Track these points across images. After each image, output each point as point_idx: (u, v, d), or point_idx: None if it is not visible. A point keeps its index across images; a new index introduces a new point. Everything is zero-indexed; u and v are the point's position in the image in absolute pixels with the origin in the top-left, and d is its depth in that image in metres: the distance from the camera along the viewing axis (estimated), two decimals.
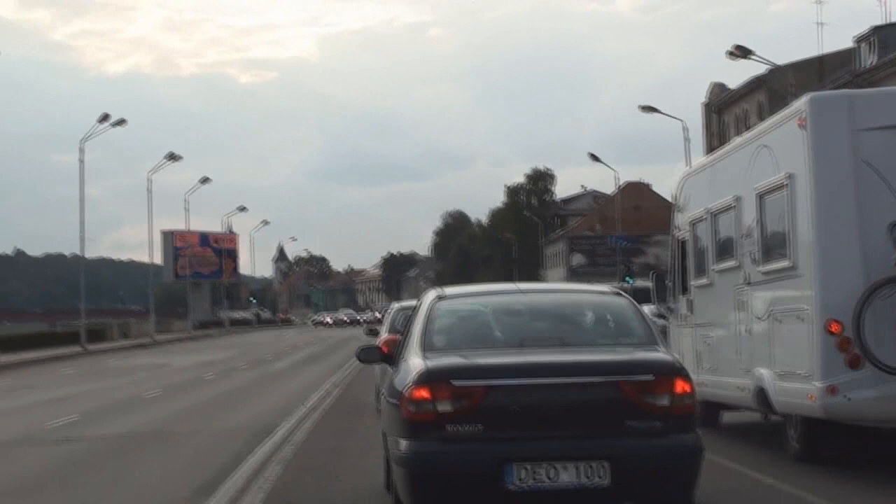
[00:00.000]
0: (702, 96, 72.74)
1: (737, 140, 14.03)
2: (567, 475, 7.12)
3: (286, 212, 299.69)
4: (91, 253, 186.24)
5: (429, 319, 8.23)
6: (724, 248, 13.61)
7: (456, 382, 7.22)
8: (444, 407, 7.17)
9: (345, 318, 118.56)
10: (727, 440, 13.52)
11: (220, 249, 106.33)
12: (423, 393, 7.22)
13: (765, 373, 11.98)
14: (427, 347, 7.89)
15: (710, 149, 68.58)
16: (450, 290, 9.07)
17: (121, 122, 58.38)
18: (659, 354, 7.76)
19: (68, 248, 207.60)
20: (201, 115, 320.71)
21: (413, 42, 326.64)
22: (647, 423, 7.21)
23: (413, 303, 12.30)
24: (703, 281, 14.44)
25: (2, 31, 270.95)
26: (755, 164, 12.44)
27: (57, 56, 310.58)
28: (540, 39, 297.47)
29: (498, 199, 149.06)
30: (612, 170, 72.81)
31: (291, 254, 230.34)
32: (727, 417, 14.76)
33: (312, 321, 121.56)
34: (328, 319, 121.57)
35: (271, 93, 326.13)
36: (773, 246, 11.92)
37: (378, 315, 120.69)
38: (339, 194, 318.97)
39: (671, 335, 15.73)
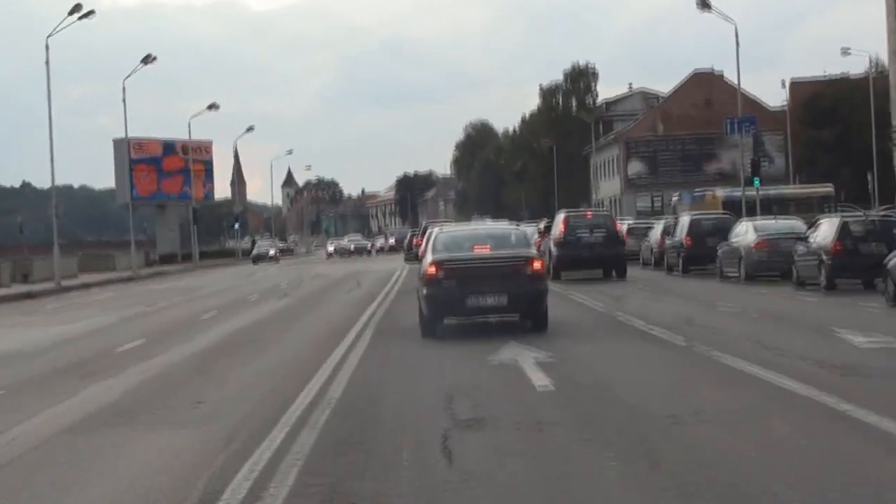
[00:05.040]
0: None
1: None
2: (490, 300, 16.95)
3: (302, 138, 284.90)
4: (101, 185, 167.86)
5: (435, 239, 18.52)
6: None
7: (444, 264, 17.21)
8: (440, 274, 17.08)
9: (350, 247, 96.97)
10: None
11: (190, 160, 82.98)
12: (432, 269, 17.19)
13: None
14: (434, 250, 17.86)
15: None
16: (445, 226, 22.26)
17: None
18: (527, 251, 18.08)
19: (77, 179, 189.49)
20: (216, 43, 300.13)
21: None
22: (521, 278, 17.10)
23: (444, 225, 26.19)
24: None
25: None
26: None
27: None
28: None
29: (517, 121, 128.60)
30: (730, 20, 48.74)
31: (303, 180, 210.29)
32: None
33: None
34: (329, 248, 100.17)
35: (286, 19, 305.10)
36: None
37: (392, 241, 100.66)
38: (354, 119, 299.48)
39: None
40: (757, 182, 45.15)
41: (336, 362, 14.76)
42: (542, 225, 42.94)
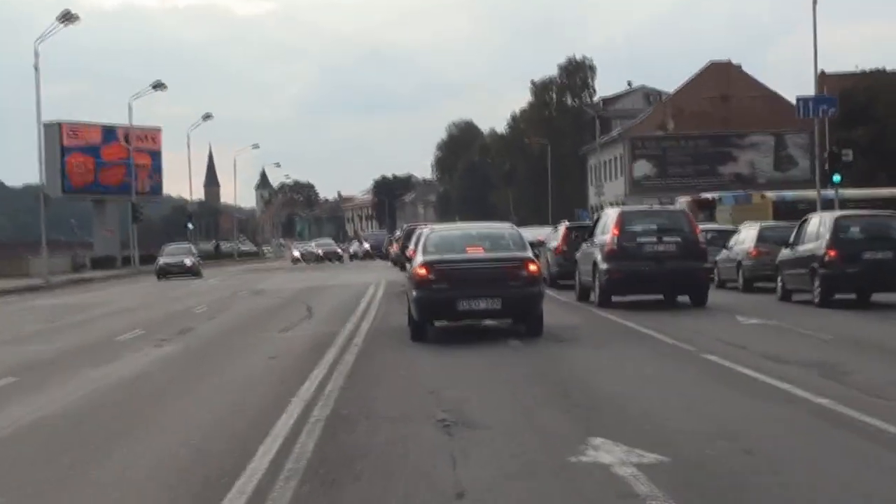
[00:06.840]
0: None
1: None
2: (483, 303, 16.52)
3: (281, 144, 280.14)
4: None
5: (426, 239, 18.11)
6: None
7: (435, 266, 16.74)
8: (430, 276, 16.63)
9: (318, 252, 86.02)
10: None
11: (131, 148, 71.29)
12: (422, 271, 16.77)
13: None
14: (424, 251, 17.41)
15: None
16: (435, 226, 21.29)
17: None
18: (522, 253, 17.14)
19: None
20: (197, 46, 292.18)
21: None
22: (516, 282, 16.53)
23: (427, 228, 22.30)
24: None
25: None
26: None
27: None
28: None
29: (500, 128, 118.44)
30: None
31: (276, 182, 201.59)
32: None
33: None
34: (295, 253, 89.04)
35: (268, 24, 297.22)
36: None
37: (367, 246, 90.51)
38: (334, 126, 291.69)
39: None
40: (838, 179, 34.75)
41: None
42: (561, 226, 32.06)
